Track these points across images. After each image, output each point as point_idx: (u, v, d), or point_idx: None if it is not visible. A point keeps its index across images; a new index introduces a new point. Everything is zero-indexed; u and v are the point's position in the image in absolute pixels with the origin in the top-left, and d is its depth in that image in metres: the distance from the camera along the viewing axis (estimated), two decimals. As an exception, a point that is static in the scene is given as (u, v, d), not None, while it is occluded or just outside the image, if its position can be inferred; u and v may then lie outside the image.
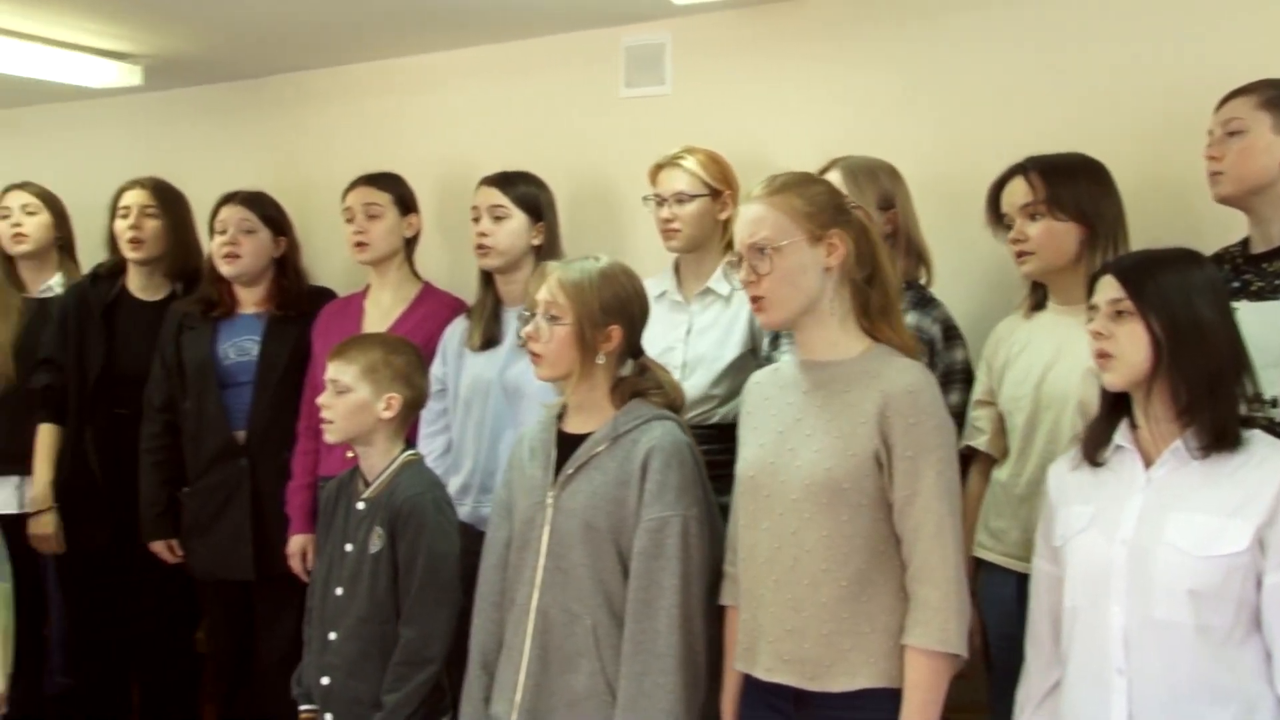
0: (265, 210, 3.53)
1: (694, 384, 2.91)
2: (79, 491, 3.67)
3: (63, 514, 3.69)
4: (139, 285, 3.75)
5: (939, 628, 2.02)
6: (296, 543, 3.35)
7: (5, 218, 3.87)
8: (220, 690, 3.66)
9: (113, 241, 3.73)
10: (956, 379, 2.73)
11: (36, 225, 3.88)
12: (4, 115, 4.61)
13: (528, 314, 2.42)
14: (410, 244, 3.49)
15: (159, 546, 3.54)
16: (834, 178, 2.49)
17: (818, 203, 2.13)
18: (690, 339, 3.00)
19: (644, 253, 3.21)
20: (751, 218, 2.14)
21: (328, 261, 3.77)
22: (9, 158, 4.41)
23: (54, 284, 3.90)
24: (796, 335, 2.21)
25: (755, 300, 2.15)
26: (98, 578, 3.72)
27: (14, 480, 3.77)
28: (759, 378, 2.34)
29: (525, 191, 3.19)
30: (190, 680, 3.79)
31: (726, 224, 3.06)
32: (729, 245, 3.08)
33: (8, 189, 3.91)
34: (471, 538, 2.73)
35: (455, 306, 3.41)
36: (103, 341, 3.68)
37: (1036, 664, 2.16)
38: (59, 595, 3.87)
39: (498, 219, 3.15)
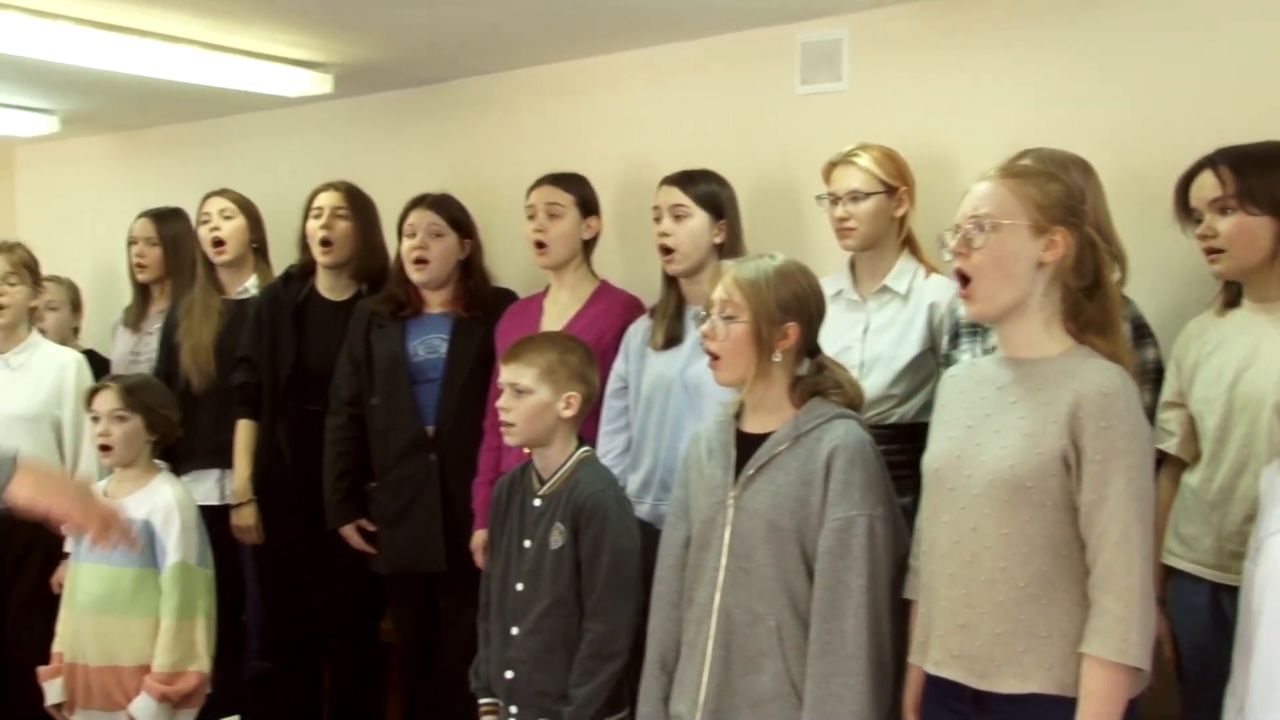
0: (452, 213, 3.60)
1: (872, 383, 2.87)
2: (273, 484, 3.81)
3: (260, 505, 3.84)
4: (327, 285, 3.88)
5: (1119, 638, 1.96)
6: (480, 537, 3.40)
7: (205, 223, 4.05)
8: (404, 681, 3.76)
9: (304, 242, 3.86)
10: (1147, 379, 2.63)
11: (233, 230, 4.04)
12: (206, 125, 4.82)
13: (704, 313, 2.42)
14: (589, 245, 3.52)
15: (348, 531, 3.64)
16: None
17: (1052, 196, 2.09)
18: (867, 338, 2.96)
19: (823, 251, 3.18)
20: (981, 192, 2.11)
21: (509, 262, 3.83)
22: (210, 166, 4.61)
23: (250, 286, 4.06)
24: (999, 330, 2.17)
25: (963, 283, 2.11)
26: (291, 567, 3.86)
27: (215, 474, 3.94)
28: (955, 371, 2.30)
29: (706, 190, 3.18)
30: (376, 670, 3.90)
31: (903, 221, 3.02)
32: (906, 242, 3.04)
33: (208, 196, 4.08)
34: (650, 536, 2.74)
35: (628, 304, 3.43)
36: (293, 340, 3.81)
37: (1242, 669, 2.07)
38: (256, 583, 4.03)
39: (679, 218, 3.15)
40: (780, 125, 3.57)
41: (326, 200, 3.81)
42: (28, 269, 3.70)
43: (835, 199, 3.00)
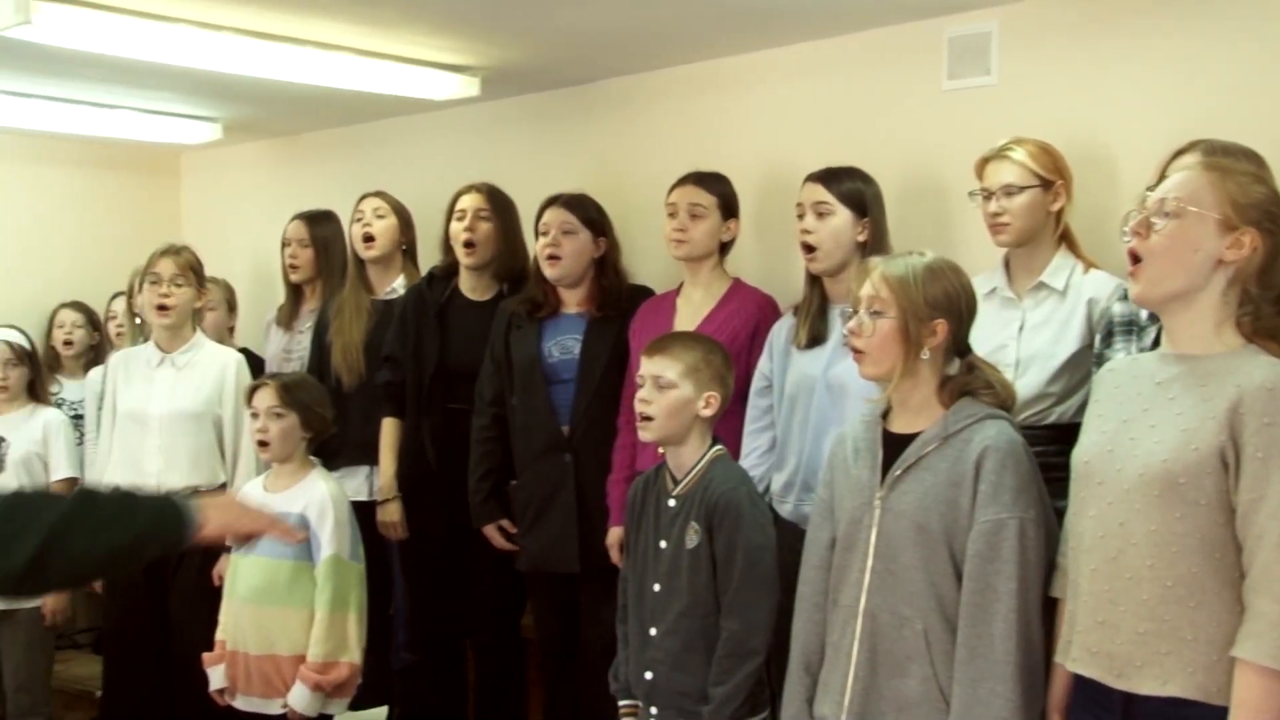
0: (586, 212, 3.62)
1: (1027, 382, 2.80)
2: (418, 481, 3.88)
3: (405, 502, 3.91)
4: (470, 286, 3.93)
5: (1273, 643, 1.87)
6: (615, 535, 3.42)
7: (359, 220, 4.14)
8: (545, 678, 3.79)
9: (446, 244, 3.93)
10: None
11: (384, 230, 4.12)
12: (357, 130, 4.93)
13: (851, 310, 2.39)
14: (725, 246, 3.51)
15: (490, 530, 3.70)
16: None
17: (1251, 196, 2.01)
18: (1023, 336, 2.89)
19: (971, 249, 3.10)
20: (1177, 179, 2.05)
21: (647, 262, 3.84)
22: (361, 169, 4.71)
23: (397, 286, 4.14)
24: (1165, 322, 2.10)
25: (1133, 261, 2.05)
26: (435, 563, 3.92)
27: (364, 470, 4.04)
28: (1114, 365, 2.24)
29: (851, 187, 3.14)
30: (519, 666, 3.94)
31: (1059, 216, 2.93)
32: (1063, 238, 2.95)
33: (364, 196, 4.18)
34: (794, 535, 2.71)
35: (762, 303, 3.41)
36: (437, 340, 3.87)
37: None
38: (402, 577, 4.11)
39: (822, 215, 3.12)
40: (926, 122, 3.50)
41: (469, 202, 3.86)
42: (193, 271, 3.83)
43: (988, 194, 2.93)
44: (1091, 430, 2.14)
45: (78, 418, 4.49)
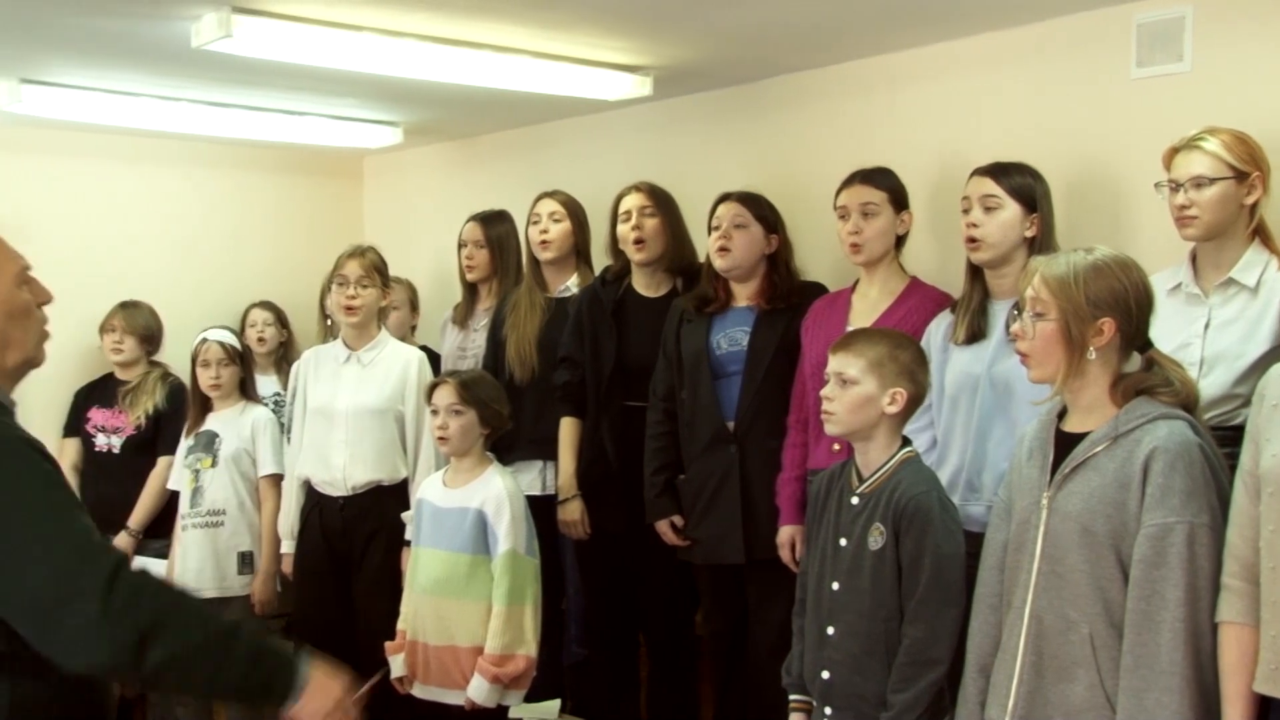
0: (759, 208, 3.63)
1: (1213, 382, 2.68)
2: (597, 478, 3.93)
3: (585, 499, 3.95)
4: (643, 283, 3.97)
5: None
6: (786, 533, 3.42)
7: (535, 223, 4.22)
8: (715, 673, 3.80)
9: (614, 247, 3.97)
10: None
11: (560, 233, 4.18)
12: (532, 131, 5.02)
13: (1016, 312, 2.34)
14: (900, 240, 3.46)
15: (662, 526, 3.72)
16: None
17: None
18: (1209, 334, 2.76)
19: (1153, 243, 3.00)
20: None
21: (818, 258, 3.81)
22: (535, 169, 4.79)
23: (571, 285, 4.20)
24: None
25: None
26: (610, 558, 3.97)
27: (538, 465, 4.10)
28: None
29: (1020, 182, 3.07)
30: (691, 661, 3.96)
31: (1254, 209, 2.80)
32: (1256, 232, 2.81)
33: (540, 197, 4.25)
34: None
35: (941, 301, 3.34)
36: (613, 338, 3.91)
37: None
38: (575, 571, 4.17)
39: (989, 210, 3.06)
40: (1111, 112, 3.38)
41: (632, 202, 3.90)
42: (378, 272, 3.96)
43: (1176, 186, 2.81)
44: (1277, 440, 2.04)
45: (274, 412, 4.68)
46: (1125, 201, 3.30)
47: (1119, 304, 2.25)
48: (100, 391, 4.74)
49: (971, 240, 3.08)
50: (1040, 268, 2.30)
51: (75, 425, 4.73)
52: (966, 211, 3.09)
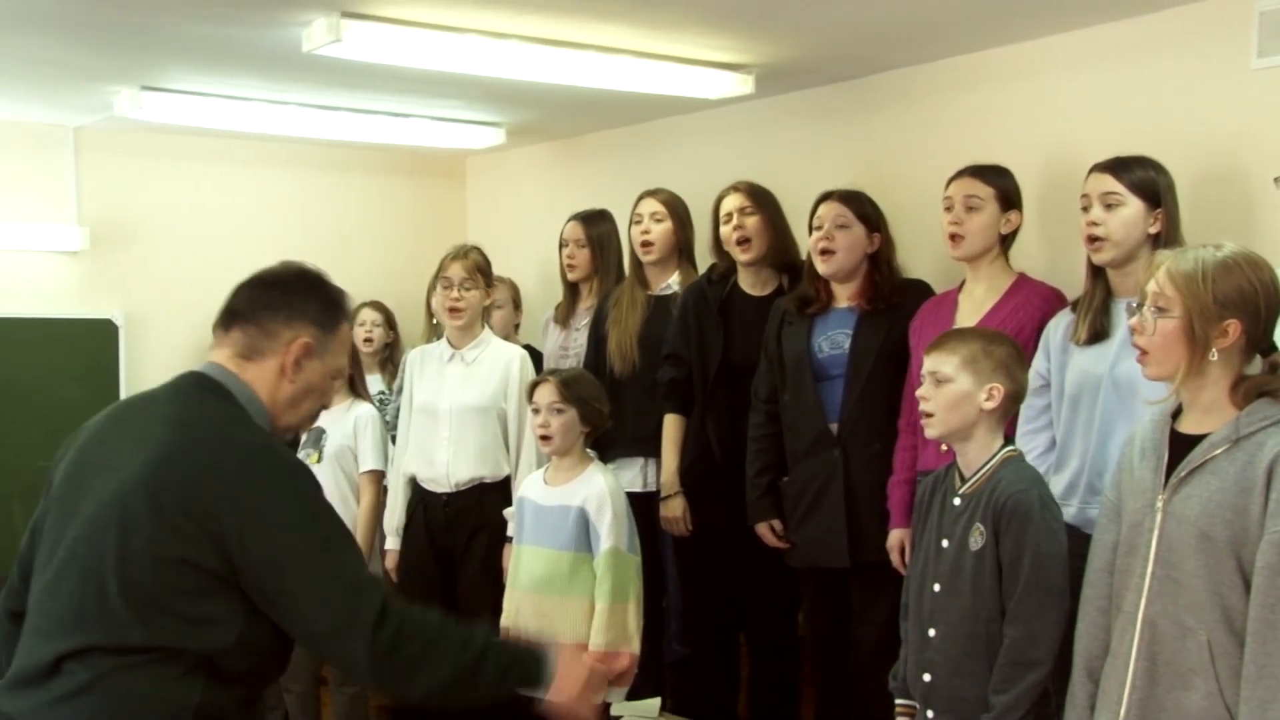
0: (861, 207, 3.60)
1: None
2: (701, 475, 3.92)
3: (688, 497, 3.95)
4: (749, 282, 3.96)
5: None
6: (895, 536, 3.38)
7: (637, 223, 4.23)
8: (816, 675, 3.77)
9: (718, 247, 3.96)
10: None
11: (661, 233, 4.18)
12: (633, 130, 5.03)
13: (1136, 305, 2.27)
14: (1006, 239, 3.39)
15: (763, 528, 3.72)
16: None
17: None
18: (1340, 336, 2.66)
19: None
20: None
21: (923, 258, 3.76)
22: (637, 169, 4.80)
23: (672, 283, 4.20)
24: None
25: None
26: (711, 556, 3.96)
27: (639, 462, 4.11)
28: None
29: (1142, 177, 2.98)
30: (792, 662, 3.94)
31: None
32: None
33: (643, 196, 4.26)
34: (1077, 540, 2.61)
35: (1049, 297, 3.28)
36: (720, 336, 3.91)
37: None
38: (675, 570, 4.16)
39: (1110, 206, 2.98)
40: (1230, 104, 3.28)
41: (732, 203, 3.90)
42: (481, 272, 3.99)
43: (1297, 181, 2.72)
44: None
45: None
46: (1251, 198, 3.20)
47: (1247, 305, 2.18)
48: (216, 389, 4.85)
49: (1092, 240, 3.00)
50: (1166, 262, 2.23)
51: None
52: (1086, 210, 3.02)
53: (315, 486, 2.01)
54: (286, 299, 2.11)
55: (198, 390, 2.04)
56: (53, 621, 1.92)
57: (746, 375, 3.82)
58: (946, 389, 2.59)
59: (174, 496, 1.88)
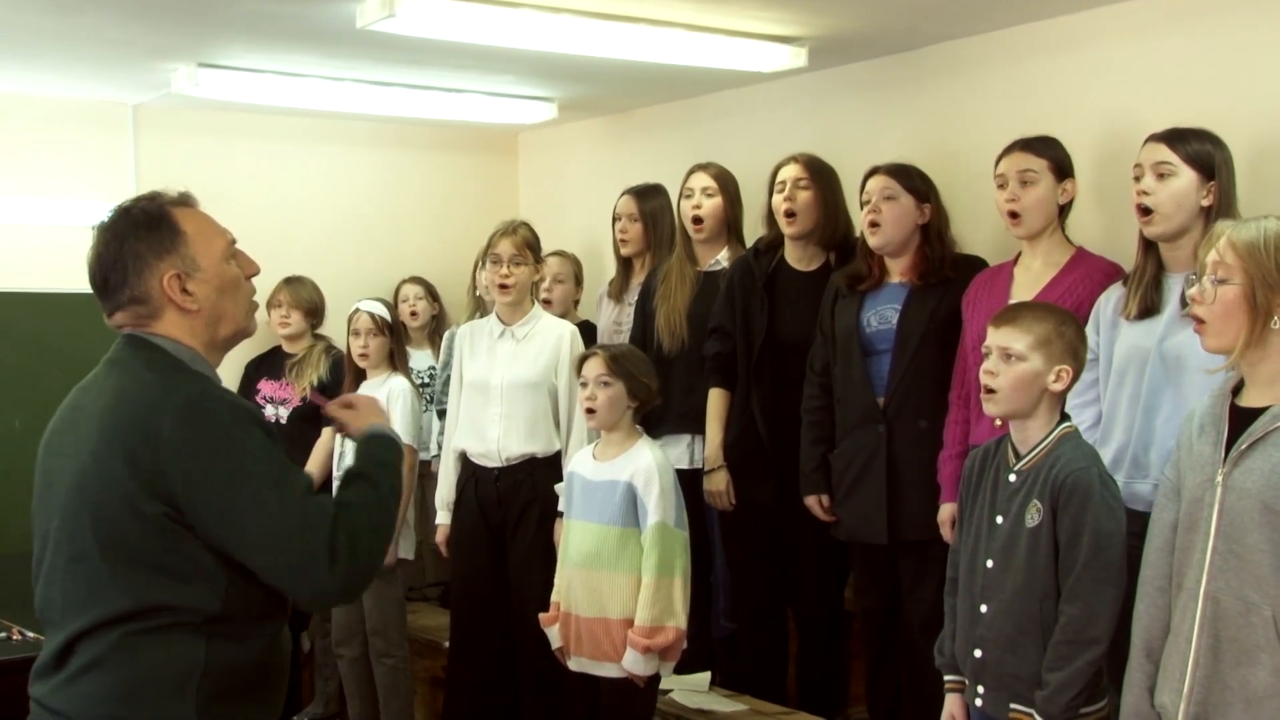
0: (909, 179, 3.57)
1: None
2: (746, 451, 3.92)
3: (732, 471, 3.95)
4: (795, 257, 3.94)
5: None
6: (947, 511, 3.36)
7: (688, 198, 4.21)
8: (866, 650, 3.77)
9: (769, 217, 3.94)
10: None
11: (712, 209, 4.17)
12: (686, 104, 5.01)
13: (1194, 277, 2.24)
14: (1063, 211, 3.35)
15: (811, 501, 3.71)
16: None
17: None
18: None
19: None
20: None
21: (980, 230, 3.72)
22: (689, 143, 4.78)
23: (721, 259, 4.18)
24: None
25: None
26: (757, 531, 3.96)
27: (686, 438, 4.11)
28: None
29: (1198, 149, 2.93)
30: (841, 636, 3.94)
31: None
32: None
33: (694, 170, 4.24)
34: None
35: (1109, 271, 3.24)
36: (765, 311, 3.89)
37: None
38: (721, 546, 4.16)
39: (1162, 177, 2.93)
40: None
41: (788, 173, 3.87)
42: (530, 248, 3.98)
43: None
44: None
45: (423, 386, 4.79)
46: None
47: None
48: (268, 364, 4.92)
49: (1143, 211, 2.96)
50: (1228, 231, 2.21)
51: (245, 396, 4.92)
52: (1138, 179, 2.98)
53: (250, 428, 2.01)
54: (121, 261, 2.08)
55: (131, 353, 2.06)
56: (56, 611, 2.00)
57: (791, 350, 3.81)
58: (1017, 367, 2.56)
59: (125, 467, 1.92)
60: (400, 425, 4.23)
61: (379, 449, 2.19)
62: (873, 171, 3.62)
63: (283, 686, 2.13)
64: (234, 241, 2.20)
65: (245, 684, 2.01)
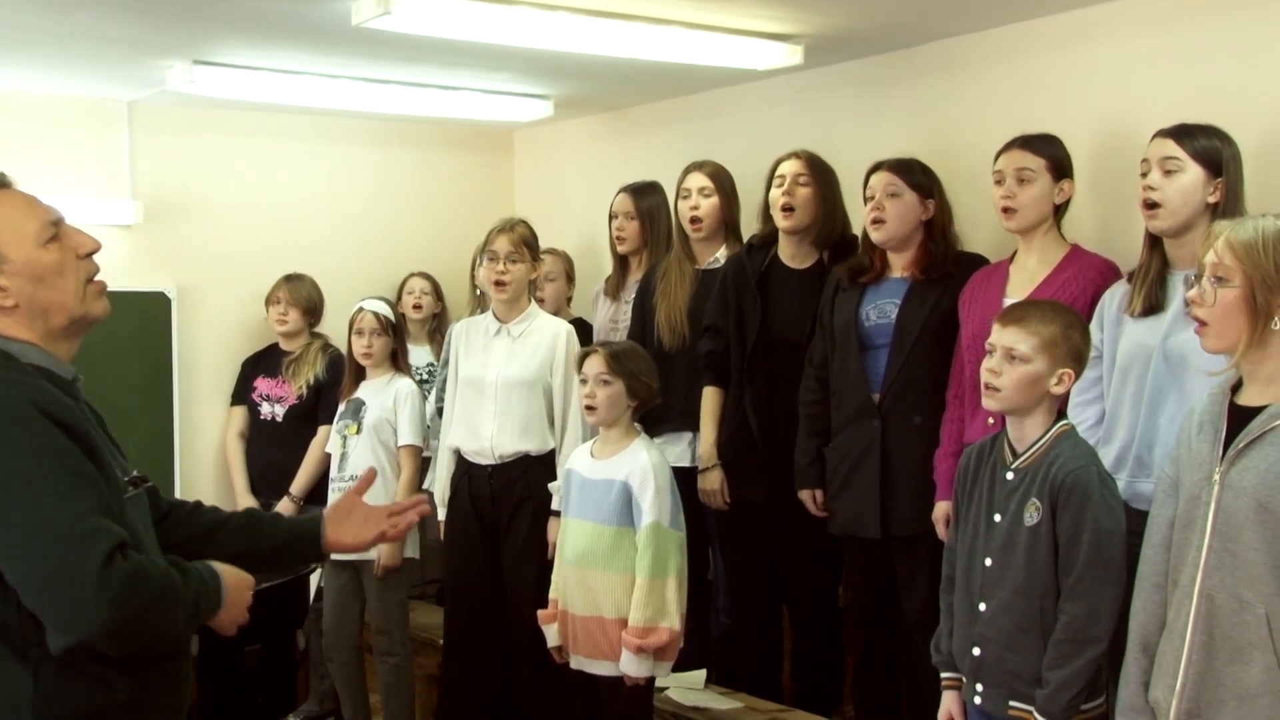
0: (912, 174, 3.56)
1: None
2: (740, 449, 3.92)
3: (726, 470, 3.95)
4: (789, 254, 3.93)
5: None
6: (942, 508, 3.36)
7: (685, 198, 4.20)
8: (855, 644, 3.77)
9: (765, 212, 3.94)
10: None
11: (710, 208, 4.16)
12: (682, 102, 5.00)
13: (1194, 277, 2.25)
14: (1059, 210, 3.35)
15: (805, 496, 3.72)
16: None
17: None
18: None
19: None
20: None
21: (978, 229, 3.72)
22: (685, 141, 4.77)
23: (719, 257, 4.18)
24: None
25: None
26: (752, 529, 3.95)
27: (687, 436, 4.11)
28: None
29: (1205, 145, 2.93)
30: (836, 632, 3.93)
31: None
32: None
33: (690, 169, 4.24)
34: (1125, 515, 2.58)
35: (1103, 269, 3.24)
36: (759, 308, 3.89)
37: None
38: (718, 545, 4.17)
39: (1169, 173, 2.93)
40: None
41: (788, 168, 3.87)
42: (527, 246, 3.98)
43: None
44: None
45: (423, 382, 4.79)
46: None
47: None
48: (265, 361, 4.92)
49: (1149, 205, 2.96)
50: (1225, 231, 2.21)
51: (242, 394, 4.92)
52: (1145, 174, 2.98)
53: (35, 430, 1.82)
54: None
55: None
56: None
57: (784, 348, 3.82)
58: (1021, 369, 2.57)
59: None
60: (407, 426, 4.28)
61: (209, 587, 1.97)
62: (876, 167, 3.62)
63: None
64: (58, 220, 1.98)
65: None
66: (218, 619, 1.99)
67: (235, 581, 2.02)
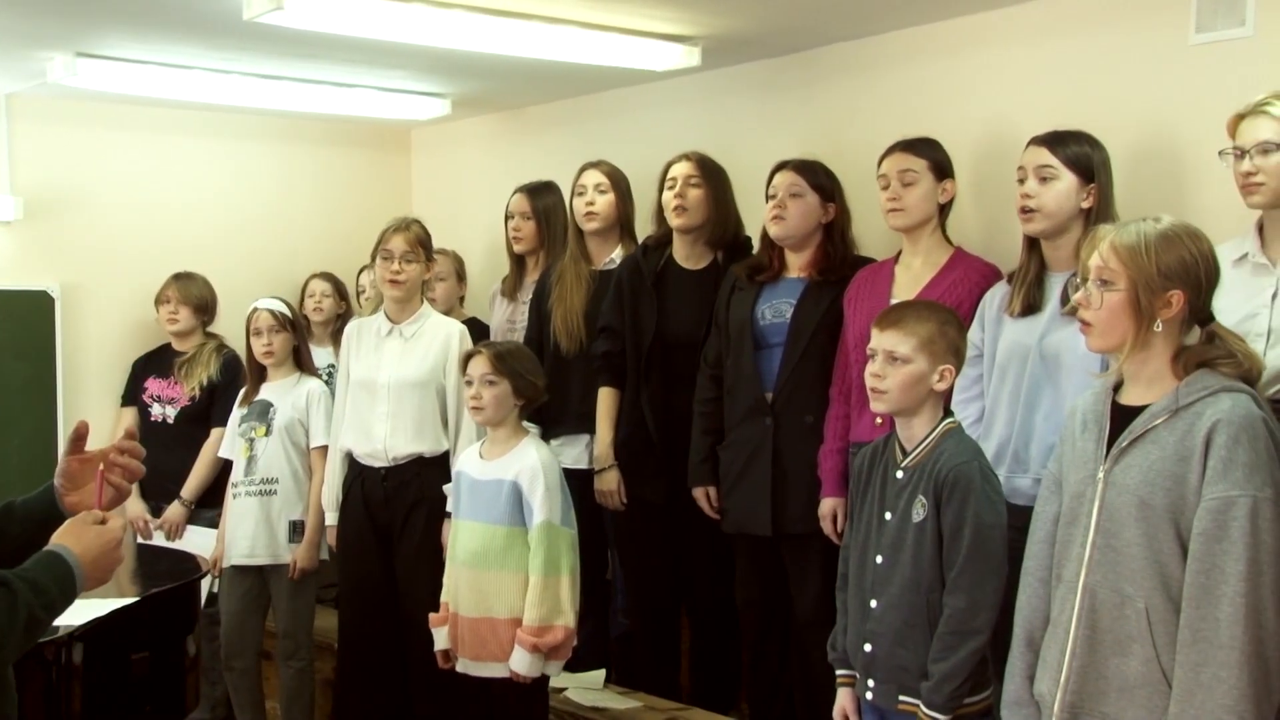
0: (815, 177, 3.60)
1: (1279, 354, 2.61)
2: (636, 449, 3.92)
3: (623, 470, 3.95)
4: (684, 255, 3.95)
5: None
6: (828, 505, 3.41)
7: (580, 195, 4.19)
8: (748, 642, 3.79)
9: (659, 214, 3.95)
10: None
11: (605, 205, 4.16)
12: (579, 102, 4.99)
13: (1079, 280, 2.29)
14: (944, 210, 3.42)
15: (699, 494, 3.73)
16: None
17: None
18: (1276, 304, 2.69)
19: (1212, 214, 2.92)
20: None
21: (869, 231, 3.76)
22: (583, 141, 4.77)
23: (615, 257, 4.17)
24: None
25: None
26: (649, 529, 3.96)
27: (585, 439, 4.09)
28: None
29: (1077, 152, 3.02)
30: (733, 630, 3.96)
31: None
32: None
33: (585, 167, 4.22)
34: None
35: (986, 272, 3.31)
36: (654, 309, 3.90)
37: None
38: (614, 545, 4.16)
39: (1044, 180, 3.01)
40: (1169, 79, 3.31)
41: (680, 170, 3.89)
42: (421, 245, 3.93)
43: (1241, 153, 2.74)
44: None
45: (325, 382, 4.71)
46: (1187, 171, 3.23)
47: (1189, 275, 2.20)
48: (157, 362, 4.81)
49: (1025, 211, 3.03)
50: (1109, 235, 2.26)
51: (133, 394, 4.81)
52: (1022, 181, 3.05)
53: None
54: None
55: None
56: None
57: (680, 348, 3.83)
58: (903, 369, 2.60)
59: None
60: (318, 428, 4.21)
61: (55, 582, 1.94)
62: (781, 166, 3.64)
63: None
64: None
65: None
66: (92, 583, 1.95)
67: (87, 543, 1.98)
